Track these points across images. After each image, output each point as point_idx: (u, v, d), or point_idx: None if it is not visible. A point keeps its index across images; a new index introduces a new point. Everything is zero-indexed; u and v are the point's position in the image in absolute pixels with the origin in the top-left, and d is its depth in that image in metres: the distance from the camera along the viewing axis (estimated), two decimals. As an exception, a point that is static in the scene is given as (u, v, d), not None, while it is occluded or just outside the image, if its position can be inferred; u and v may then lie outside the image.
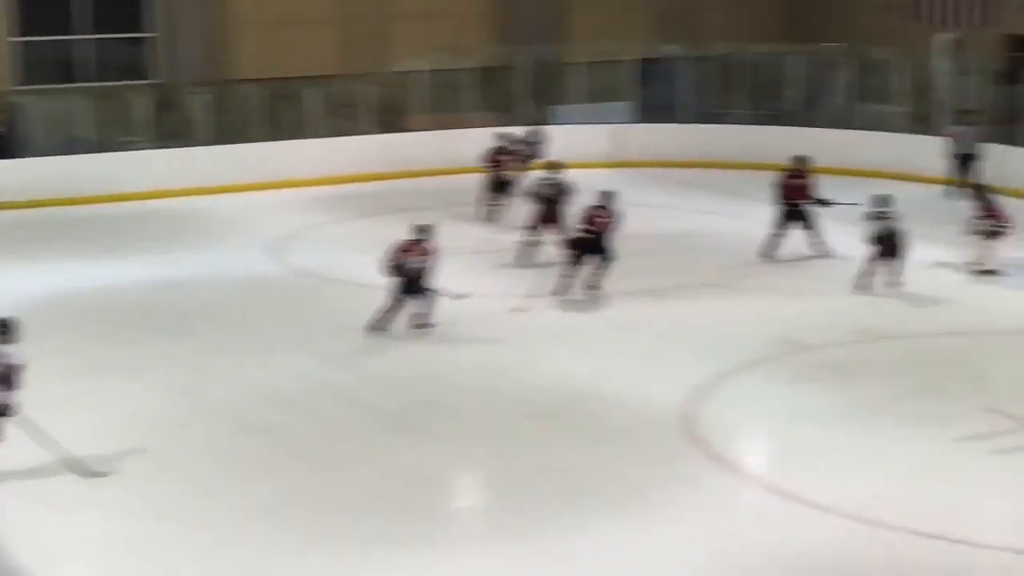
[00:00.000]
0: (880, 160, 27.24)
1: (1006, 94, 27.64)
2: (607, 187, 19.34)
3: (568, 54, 29.92)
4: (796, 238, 20.99)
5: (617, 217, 18.81)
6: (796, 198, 20.68)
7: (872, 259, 19.20)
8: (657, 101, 30.54)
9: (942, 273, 20.21)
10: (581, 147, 27.52)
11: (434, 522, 12.32)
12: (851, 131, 28.43)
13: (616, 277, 18.88)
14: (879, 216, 19.24)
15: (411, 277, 16.89)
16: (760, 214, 21.53)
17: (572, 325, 17.88)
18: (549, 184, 20.91)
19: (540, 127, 25.95)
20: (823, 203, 20.61)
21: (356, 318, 17.52)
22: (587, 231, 18.68)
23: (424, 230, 17.03)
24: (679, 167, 27.78)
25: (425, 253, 17.00)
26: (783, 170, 21.17)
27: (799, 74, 29.07)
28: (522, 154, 24.69)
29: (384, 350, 16.79)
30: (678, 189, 24.03)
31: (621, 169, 26.03)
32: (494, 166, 23.89)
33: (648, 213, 23.81)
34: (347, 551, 11.58)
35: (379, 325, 17.02)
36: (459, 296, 16.74)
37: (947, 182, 20.00)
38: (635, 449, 13.77)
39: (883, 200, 19.27)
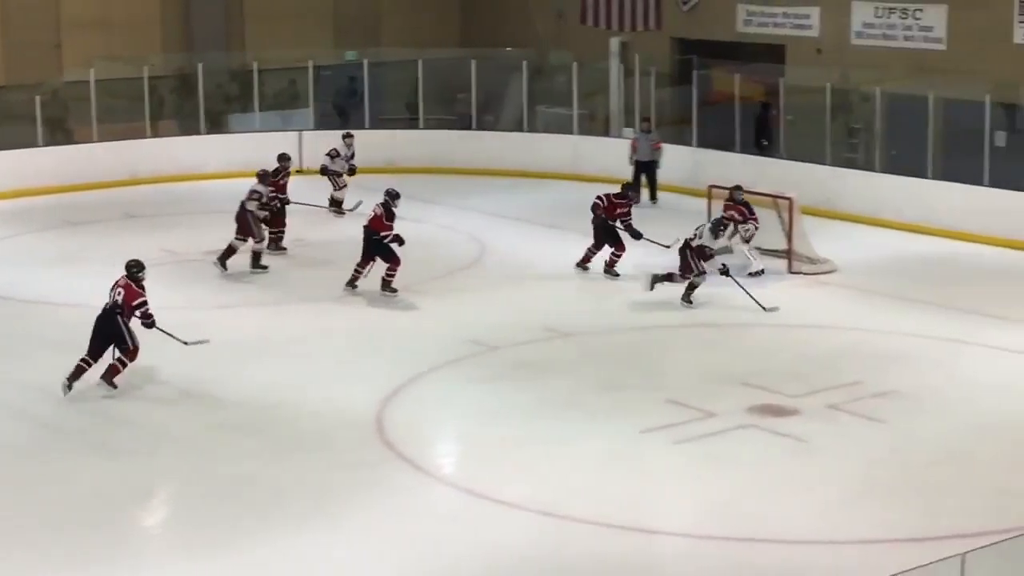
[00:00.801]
0: (557, 162, 27.93)
1: (674, 95, 28.68)
2: (391, 187, 19.53)
3: (248, 61, 29.65)
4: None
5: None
6: None
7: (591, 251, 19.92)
8: (338, 108, 30.59)
9: (625, 268, 20.85)
10: (264, 155, 27.34)
11: (122, 541, 12.03)
12: (529, 134, 29.04)
13: (308, 285, 18.83)
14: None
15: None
16: (445, 219, 21.79)
17: (267, 335, 17.76)
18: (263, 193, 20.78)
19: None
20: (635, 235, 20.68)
21: (36, 336, 17.00)
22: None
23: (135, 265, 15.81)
24: (360, 173, 27.85)
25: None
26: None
27: (477, 79, 29.50)
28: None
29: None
30: (357, 195, 23.97)
31: (304, 177, 25.93)
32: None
33: (334, 220, 23.84)
34: (30, 573, 11.27)
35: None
36: (197, 343, 16.08)
37: (626, 184, 20.63)
38: (330, 456, 13.78)
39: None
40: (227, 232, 20.53)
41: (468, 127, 29.16)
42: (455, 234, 21.93)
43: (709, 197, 22.03)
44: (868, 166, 25.16)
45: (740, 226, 20.55)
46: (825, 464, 13.63)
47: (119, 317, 15.19)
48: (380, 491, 12.91)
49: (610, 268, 20.26)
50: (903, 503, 12.64)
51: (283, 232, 21.72)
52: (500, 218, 20.67)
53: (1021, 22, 25.04)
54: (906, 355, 17.03)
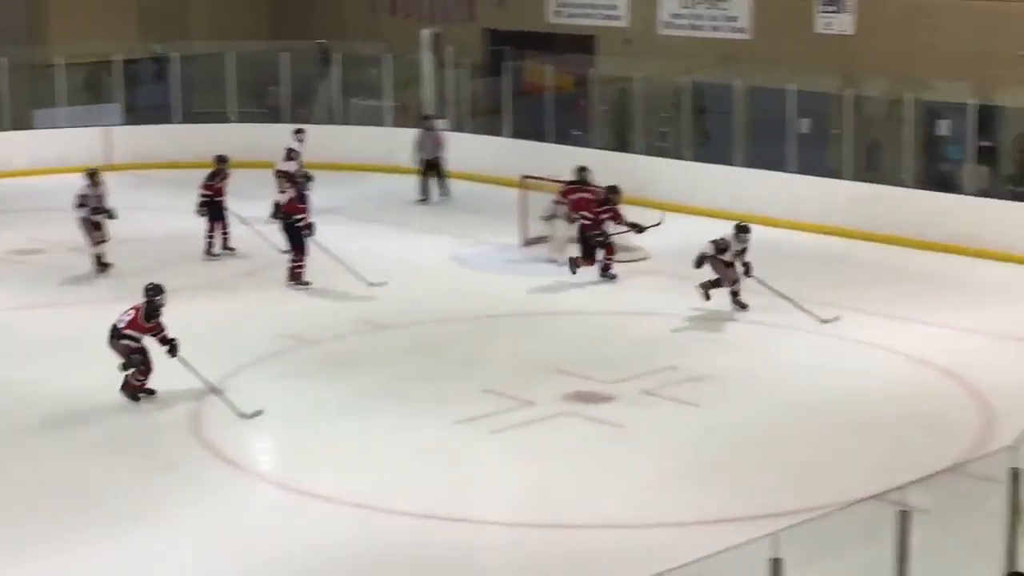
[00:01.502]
0: (371, 154, 27.84)
1: (486, 87, 28.78)
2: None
3: (50, 55, 28.96)
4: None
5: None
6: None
7: None
8: (145, 102, 30.06)
9: (440, 261, 20.88)
10: (67, 150, 26.82)
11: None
12: (342, 126, 28.88)
13: (113, 283, 18.47)
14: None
15: None
16: (254, 212, 21.56)
17: (77, 334, 17.35)
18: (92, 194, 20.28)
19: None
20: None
21: None
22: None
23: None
24: (169, 168, 27.44)
25: None
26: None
27: (288, 71, 29.24)
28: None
29: None
30: (169, 190, 23.68)
31: (110, 172, 25.42)
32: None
33: (140, 216, 23.40)
34: None
35: None
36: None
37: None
38: (145, 456, 13.56)
39: None
40: (33, 230, 20.07)
41: (280, 120, 28.89)
42: (270, 228, 21.62)
43: (522, 187, 22.15)
44: (679, 154, 25.54)
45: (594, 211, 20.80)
46: (641, 449, 13.82)
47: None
48: (198, 490, 12.75)
49: (606, 271, 20.11)
50: (717, 485, 12.87)
51: (227, 233, 21.38)
52: (314, 211, 20.51)
53: (822, 12, 25.65)
54: (718, 339, 17.36)
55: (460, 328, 17.99)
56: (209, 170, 21.47)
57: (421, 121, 26.61)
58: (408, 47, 29.30)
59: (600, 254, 20.03)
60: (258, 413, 14.50)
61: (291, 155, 23.68)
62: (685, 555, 7.99)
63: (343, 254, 19.95)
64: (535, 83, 27.69)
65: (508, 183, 23.55)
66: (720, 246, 18.31)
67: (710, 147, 25.84)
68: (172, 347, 14.98)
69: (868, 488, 11.14)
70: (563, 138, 26.66)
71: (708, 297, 18.31)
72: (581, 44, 28.69)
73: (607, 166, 22.84)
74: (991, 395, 15.06)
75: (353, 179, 27.02)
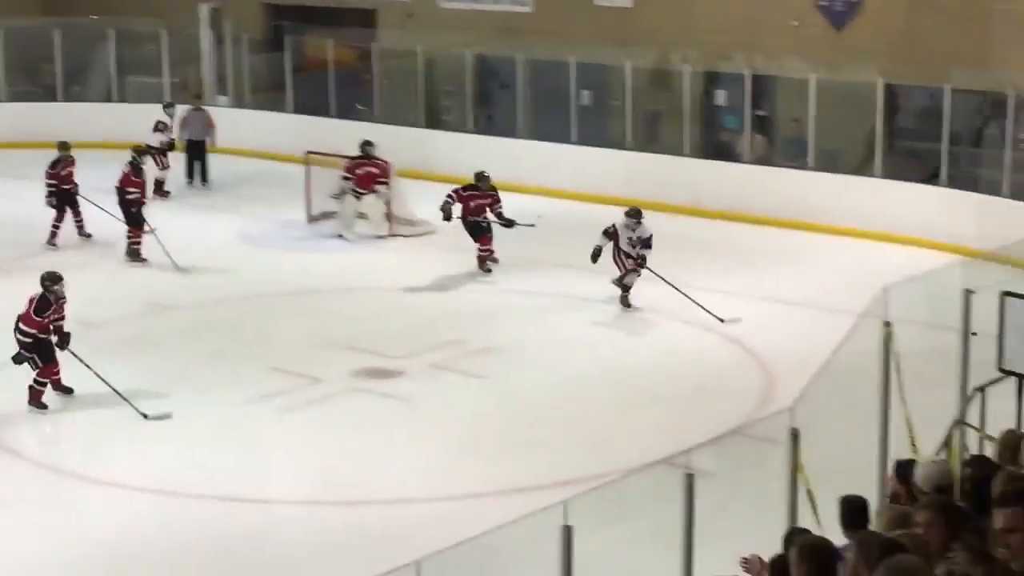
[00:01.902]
0: (148, 132, 27.24)
1: (267, 62, 28.44)
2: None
3: None
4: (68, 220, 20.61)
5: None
6: None
7: None
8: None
9: (225, 240, 20.63)
10: None
11: None
12: (118, 104, 28.25)
13: None
14: None
15: None
16: (38, 195, 21.00)
17: None
18: None
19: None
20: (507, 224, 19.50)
21: None
22: None
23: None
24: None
25: None
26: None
27: (60, 48, 28.48)
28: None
29: None
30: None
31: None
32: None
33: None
34: None
35: None
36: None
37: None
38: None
39: None
40: None
41: (54, 99, 28.14)
42: (50, 211, 21.07)
43: (307, 163, 22.00)
44: (461, 127, 25.62)
45: (376, 183, 20.77)
46: (430, 423, 13.88)
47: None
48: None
49: (483, 264, 19.24)
50: (507, 456, 13.01)
51: (81, 221, 20.47)
52: (94, 190, 20.06)
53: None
54: (504, 311, 17.50)
55: (248, 307, 17.82)
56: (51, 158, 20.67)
57: (192, 99, 26.16)
58: (186, 22, 28.77)
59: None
60: (165, 416, 13.86)
61: (159, 127, 23.66)
62: (478, 526, 8.07)
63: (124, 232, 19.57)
64: (317, 58, 27.45)
65: (292, 159, 23.36)
66: (609, 232, 17.50)
67: (493, 120, 25.99)
68: (62, 339, 14.23)
69: (657, 454, 11.37)
70: (346, 113, 26.52)
71: (626, 297, 17.34)
72: (363, 18, 28.52)
73: (392, 140, 22.81)
74: (771, 359, 15.49)
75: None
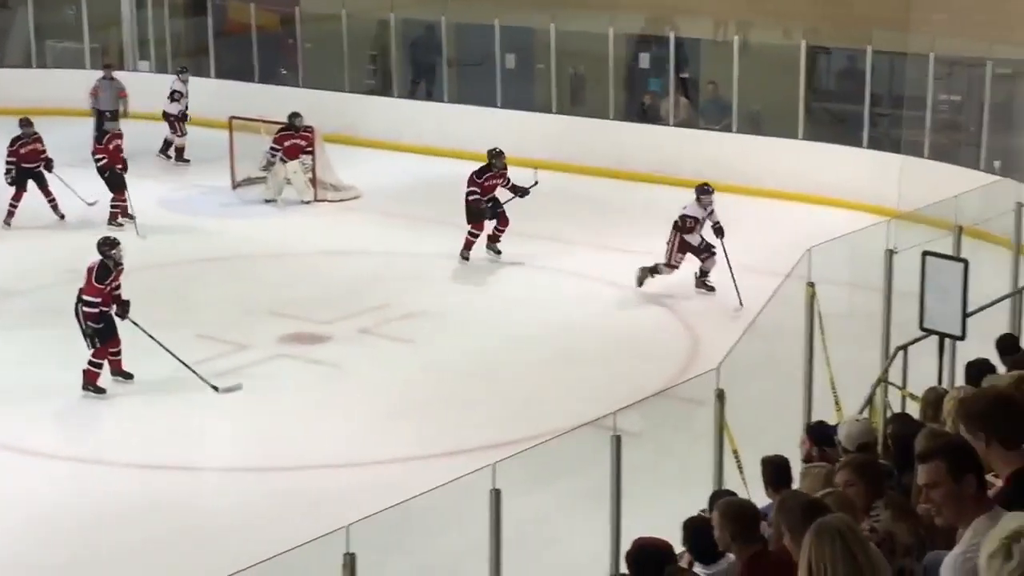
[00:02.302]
0: (69, 97, 26.93)
1: (189, 26, 28.18)
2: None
3: None
4: None
5: None
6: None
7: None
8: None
9: (148, 206, 20.44)
10: None
11: None
12: (37, 70, 27.88)
13: None
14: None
15: None
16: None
17: None
18: None
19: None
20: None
21: None
22: None
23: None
24: None
25: None
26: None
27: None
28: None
29: None
30: None
31: None
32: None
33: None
34: None
35: None
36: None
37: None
38: None
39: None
40: None
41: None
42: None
43: (231, 128, 21.83)
44: (387, 92, 25.51)
45: (302, 155, 20.72)
46: (359, 388, 13.87)
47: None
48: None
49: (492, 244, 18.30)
50: (436, 419, 13.02)
51: (53, 201, 19.74)
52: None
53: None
54: (432, 275, 17.49)
55: (171, 273, 17.68)
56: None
57: (103, 67, 25.79)
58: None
59: (490, 226, 18.24)
60: (236, 388, 13.64)
61: (174, 96, 23.40)
62: (407, 491, 8.07)
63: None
64: (240, 22, 27.20)
65: (216, 124, 23.15)
66: (688, 225, 16.45)
67: (418, 84, 25.89)
68: (121, 307, 13.78)
69: (584, 416, 11.42)
70: (270, 78, 26.34)
71: (705, 281, 16.58)
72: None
73: (317, 105, 22.69)
74: (696, 320, 15.59)
75: (52, 124, 26.15)
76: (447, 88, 24.78)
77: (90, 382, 13.59)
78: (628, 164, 22.26)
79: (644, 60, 23.78)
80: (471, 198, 18.07)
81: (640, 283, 16.63)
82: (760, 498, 7.62)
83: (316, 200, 20.85)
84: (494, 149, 18.54)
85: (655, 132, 22.70)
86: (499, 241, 18.13)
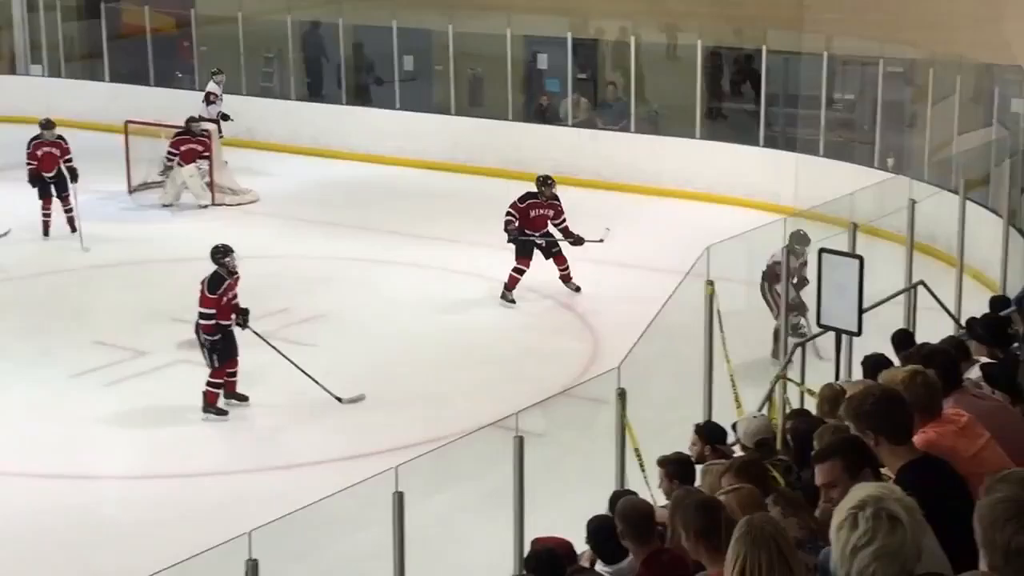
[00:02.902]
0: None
1: (83, 30, 27.84)
2: None
3: None
4: None
5: None
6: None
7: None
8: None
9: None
10: None
11: None
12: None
13: None
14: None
15: None
16: None
17: None
18: None
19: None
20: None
21: None
22: None
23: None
24: None
25: None
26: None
27: None
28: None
29: None
30: None
31: None
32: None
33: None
34: None
35: None
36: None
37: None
38: None
39: None
40: None
41: None
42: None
43: (127, 133, 21.59)
44: (285, 95, 25.37)
45: (199, 159, 20.51)
46: (260, 392, 13.74)
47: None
48: None
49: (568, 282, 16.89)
50: (337, 424, 12.95)
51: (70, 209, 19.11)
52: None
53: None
54: (331, 278, 17.40)
55: (67, 280, 17.46)
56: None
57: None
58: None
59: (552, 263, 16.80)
60: (359, 398, 13.30)
61: (210, 99, 22.81)
62: (310, 496, 8.01)
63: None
64: (134, 25, 26.93)
65: (111, 129, 22.89)
66: (776, 272, 13.18)
67: (316, 86, 25.77)
68: (240, 315, 13.27)
69: (486, 417, 11.41)
70: (166, 81, 26.09)
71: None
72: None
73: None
74: (598, 320, 15.64)
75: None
76: (344, 90, 24.69)
77: (210, 404, 13.10)
78: (527, 165, 22.26)
79: (542, 61, 23.84)
80: (506, 219, 16.55)
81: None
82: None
83: (214, 204, 20.68)
84: (543, 177, 16.96)
85: (553, 133, 22.77)
86: (571, 279, 16.68)
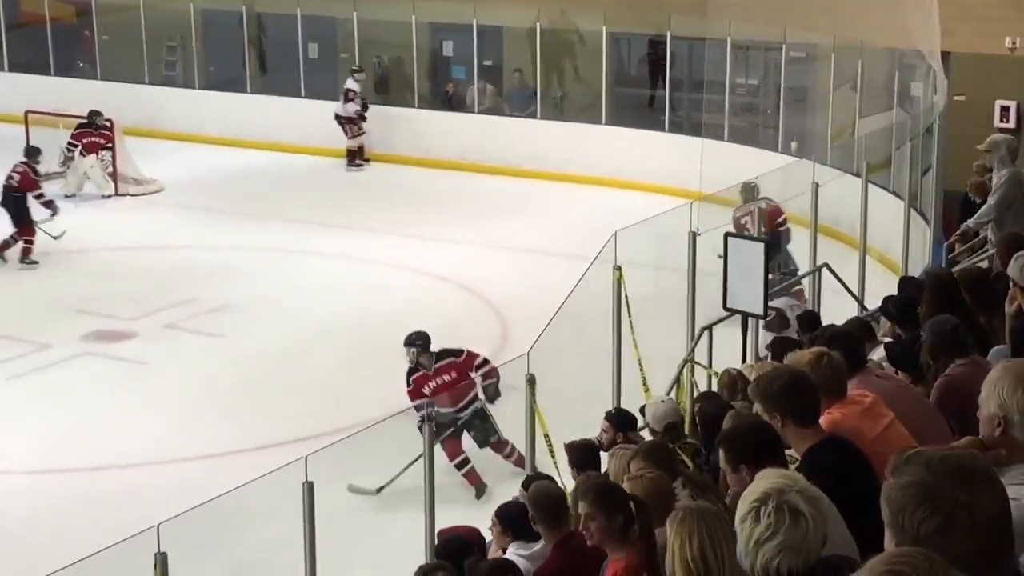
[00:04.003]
0: None
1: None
2: None
3: None
4: None
5: None
6: None
7: None
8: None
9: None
10: None
11: None
12: None
13: None
14: None
15: None
16: None
17: None
18: None
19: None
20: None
21: None
22: None
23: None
24: None
25: None
26: None
27: None
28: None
29: None
30: None
31: None
32: None
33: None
34: None
35: None
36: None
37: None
38: None
39: None
40: None
41: None
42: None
43: (27, 123, 21.27)
44: (188, 84, 25.13)
45: (101, 152, 20.29)
46: (166, 384, 13.64)
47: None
48: None
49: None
50: (247, 413, 12.87)
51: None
52: None
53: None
54: (238, 268, 17.26)
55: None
56: None
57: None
58: None
59: None
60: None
61: (349, 96, 22.29)
62: (218, 487, 7.94)
63: None
64: (34, 13, 26.55)
65: (10, 119, 22.55)
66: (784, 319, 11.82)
67: (220, 75, 25.53)
68: (487, 390, 11.65)
69: (395, 405, 11.38)
70: (67, 70, 25.75)
71: None
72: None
73: (116, 97, 22.27)
74: (506, 306, 15.65)
75: None
76: (248, 78, 24.50)
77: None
78: (433, 152, 22.27)
79: (448, 48, 23.78)
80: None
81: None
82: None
83: (117, 194, 20.46)
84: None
85: (460, 120, 22.73)
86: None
